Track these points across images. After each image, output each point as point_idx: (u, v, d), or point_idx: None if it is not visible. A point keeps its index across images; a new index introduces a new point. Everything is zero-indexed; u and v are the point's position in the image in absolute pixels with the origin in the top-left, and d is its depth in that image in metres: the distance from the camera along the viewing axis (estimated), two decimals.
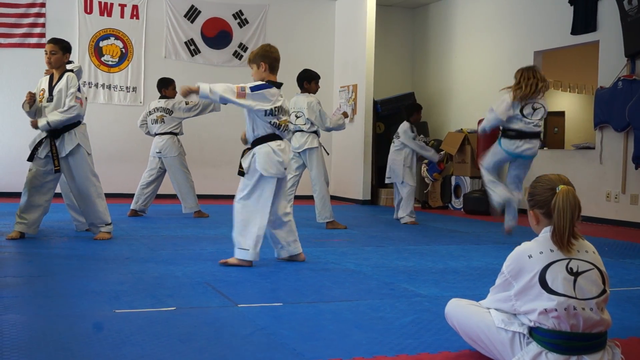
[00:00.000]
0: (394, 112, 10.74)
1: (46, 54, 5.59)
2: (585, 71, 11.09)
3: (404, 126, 8.06)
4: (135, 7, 10.76)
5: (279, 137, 4.83)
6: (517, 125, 5.97)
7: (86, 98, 6.02)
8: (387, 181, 8.37)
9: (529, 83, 5.83)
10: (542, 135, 6.12)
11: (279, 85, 4.87)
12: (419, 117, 8.22)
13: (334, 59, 11.86)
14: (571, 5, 8.76)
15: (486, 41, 10.47)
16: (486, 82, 10.25)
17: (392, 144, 8.20)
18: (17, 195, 9.50)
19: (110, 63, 10.60)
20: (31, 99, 5.53)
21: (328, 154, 7.65)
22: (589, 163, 8.62)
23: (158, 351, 2.65)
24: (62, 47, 5.63)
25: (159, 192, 8.23)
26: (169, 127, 7.84)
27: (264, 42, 11.24)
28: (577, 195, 2.46)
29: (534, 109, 5.92)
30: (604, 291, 2.44)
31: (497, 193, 6.17)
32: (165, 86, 8.00)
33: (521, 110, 5.93)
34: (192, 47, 11.07)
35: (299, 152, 7.18)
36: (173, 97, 7.96)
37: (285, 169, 4.80)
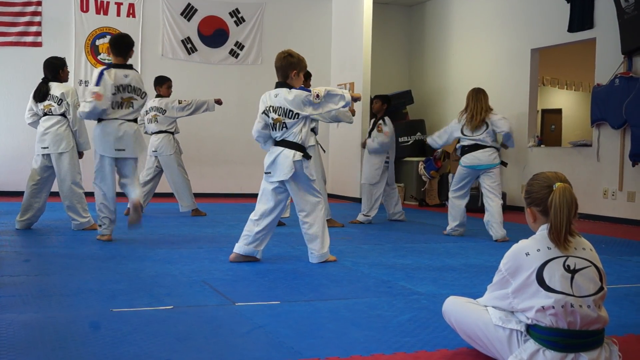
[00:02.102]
0: (391, 110, 10.73)
1: None
2: (582, 68, 11.10)
3: None
4: (131, 6, 10.74)
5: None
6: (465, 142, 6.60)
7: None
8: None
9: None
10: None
11: (276, 86, 4.86)
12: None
13: (331, 57, 11.86)
14: (568, 3, 8.76)
15: (483, 38, 10.47)
16: (483, 80, 10.22)
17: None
18: (14, 194, 9.52)
19: (106, 61, 10.57)
20: None
21: (324, 151, 7.64)
22: (586, 160, 8.63)
23: (155, 350, 2.65)
24: None
25: (156, 190, 8.22)
26: (164, 126, 7.82)
27: (261, 41, 11.40)
28: (573, 192, 2.46)
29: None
30: (601, 288, 2.44)
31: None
32: (160, 85, 7.97)
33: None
34: (189, 46, 11.06)
35: None
36: (168, 95, 7.92)
37: (266, 172, 4.84)
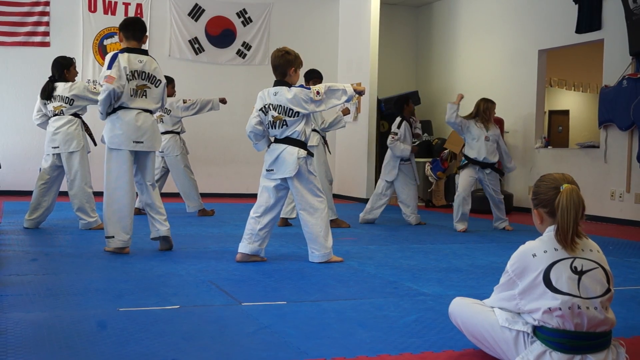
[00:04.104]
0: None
1: None
2: (590, 70, 11.07)
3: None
4: (139, 6, 10.78)
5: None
6: None
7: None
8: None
9: None
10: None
11: (274, 84, 4.90)
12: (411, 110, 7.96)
13: (338, 58, 11.86)
14: (576, 4, 8.74)
15: (490, 39, 10.45)
16: (490, 81, 10.23)
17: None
18: (22, 193, 9.56)
19: None
20: None
21: (330, 153, 7.61)
22: (594, 162, 8.60)
23: (162, 349, 2.65)
24: None
25: (163, 190, 8.23)
26: (169, 126, 7.81)
27: (268, 41, 11.41)
28: (581, 194, 2.46)
29: None
30: (608, 290, 2.44)
31: None
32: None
33: None
34: (196, 46, 11.09)
35: None
36: (172, 95, 7.92)
37: (268, 170, 4.88)
